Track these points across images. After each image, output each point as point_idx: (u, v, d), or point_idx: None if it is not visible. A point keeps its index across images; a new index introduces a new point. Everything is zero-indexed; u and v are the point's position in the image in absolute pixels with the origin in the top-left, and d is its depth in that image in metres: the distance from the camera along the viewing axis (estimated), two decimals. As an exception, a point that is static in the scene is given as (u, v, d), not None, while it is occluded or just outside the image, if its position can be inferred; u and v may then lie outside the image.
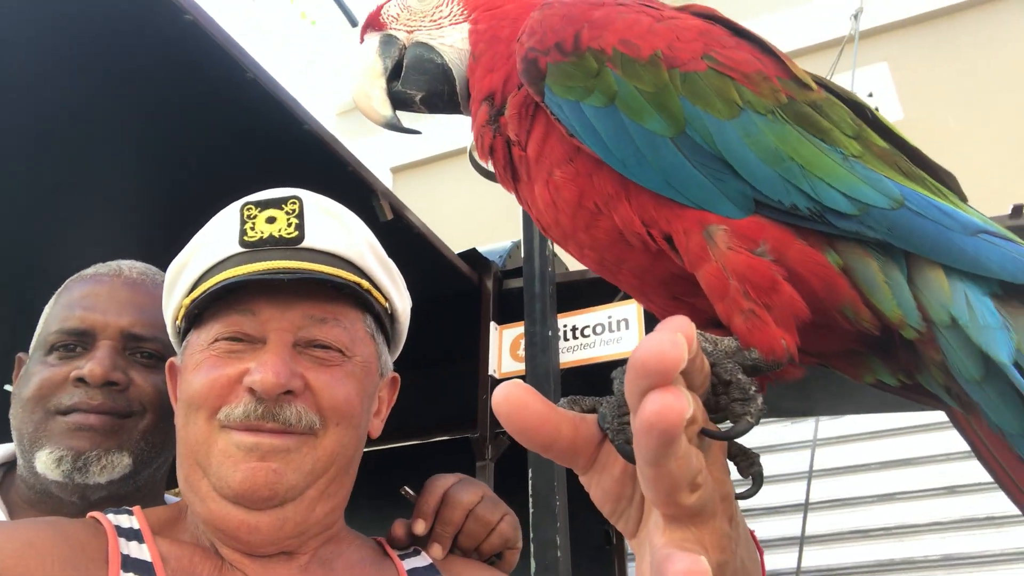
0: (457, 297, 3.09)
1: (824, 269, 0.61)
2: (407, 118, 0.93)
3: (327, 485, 0.97)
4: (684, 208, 0.63)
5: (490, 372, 2.84)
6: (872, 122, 0.69)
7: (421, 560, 1.09)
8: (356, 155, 2.40)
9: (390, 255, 1.11)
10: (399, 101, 0.91)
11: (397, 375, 1.16)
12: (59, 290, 1.33)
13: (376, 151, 6.65)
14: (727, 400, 0.55)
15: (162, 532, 0.98)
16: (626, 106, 0.64)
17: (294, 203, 1.01)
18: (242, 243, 0.98)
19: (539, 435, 0.54)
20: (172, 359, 1.09)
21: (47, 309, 1.31)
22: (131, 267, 1.33)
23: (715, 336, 0.60)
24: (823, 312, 0.62)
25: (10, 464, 1.29)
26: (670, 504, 0.49)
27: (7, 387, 1.32)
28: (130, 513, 0.99)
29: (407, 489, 1.25)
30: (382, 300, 1.08)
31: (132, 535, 0.94)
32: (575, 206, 0.69)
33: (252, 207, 1.01)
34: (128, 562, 0.89)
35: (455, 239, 3.16)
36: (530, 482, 2.40)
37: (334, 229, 1.03)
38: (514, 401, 0.52)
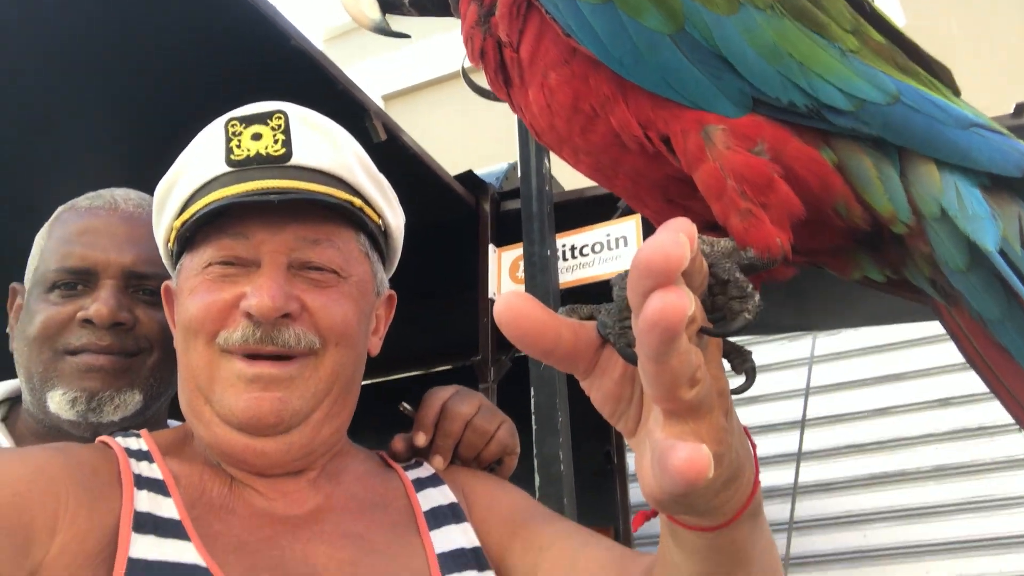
0: (454, 221, 3.08)
1: (819, 166, 0.61)
2: (398, 23, 0.92)
3: (331, 406, 0.99)
4: (682, 108, 0.62)
5: (490, 295, 2.85)
6: (870, 16, 0.68)
7: (424, 471, 1.12)
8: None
9: (384, 176, 1.10)
10: (388, 4, 0.89)
11: (393, 293, 1.17)
12: (51, 220, 1.31)
13: (367, 77, 6.51)
14: (724, 299, 0.56)
15: (170, 453, 1.00)
16: (624, 2, 0.63)
17: (279, 118, 0.99)
18: (228, 162, 0.97)
19: (540, 341, 0.55)
20: (167, 282, 1.09)
21: (40, 240, 1.30)
22: (126, 199, 1.30)
23: (711, 238, 0.60)
24: (817, 209, 0.62)
25: (15, 399, 1.31)
26: (671, 399, 0.50)
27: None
28: (137, 436, 1.01)
29: (405, 405, 1.27)
30: (375, 217, 1.07)
31: (142, 456, 0.96)
32: (570, 109, 0.68)
33: (237, 123, 0.99)
34: (141, 480, 0.91)
35: (451, 164, 3.12)
36: (532, 399, 2.44)
37: (322, 145, 1.01)
38: (515, 310, 0.53)
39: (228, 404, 0.92)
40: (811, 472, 4.97)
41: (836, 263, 0.71)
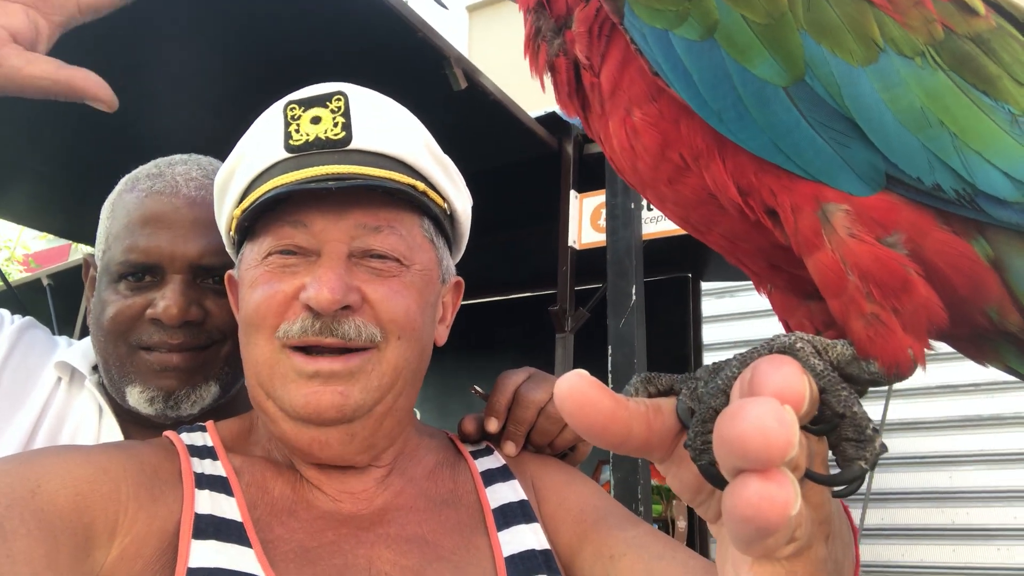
0: (536, 162, 2.97)
1: (970, 264, 0.49)
2: None
3: (394, 400, 0.95)
4: (793, 178, 0.51)
5: (570, 243, 2.76)
6: None
7: (494, 460, 1.09)
8: None
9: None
10: None
11: (461, 279, 1.12)
12: (113, 196, 1.28)
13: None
14: (837, 437, 0.47)
15: (234, 447, 0.99)
16: (729, 41, 0.50)
17: (339, 100, 0.95)
18: (287, 147, 0.93)
19: (608, 435, 0.47)
20: (230, 272, 1.07)
21: (104, 219, 1.27)
22: (187, 179, 1.24)
23: (824, 341, 0.50)
24: (962, 313, 0.51)
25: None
26: (764, 558, 0.44)
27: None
28: (203, 430, 1.00)
29: (477, 388, 1.23)
30: (440, 201, 1.02)
31: (205, 453, 0.95)
32: (657, 156, 0.58)
33: (295, 106, 0.95)
34: (203, 479, 0.90)
35: (535, 90, 2.98)
36: (609, 358, 2.38)
37: (383, 128, 0.96)
38: (579, 398, 0.46)
39: (289, 399, 0.90)
40: (899, 410, 4.80)
41: (971, 350, 0.59)
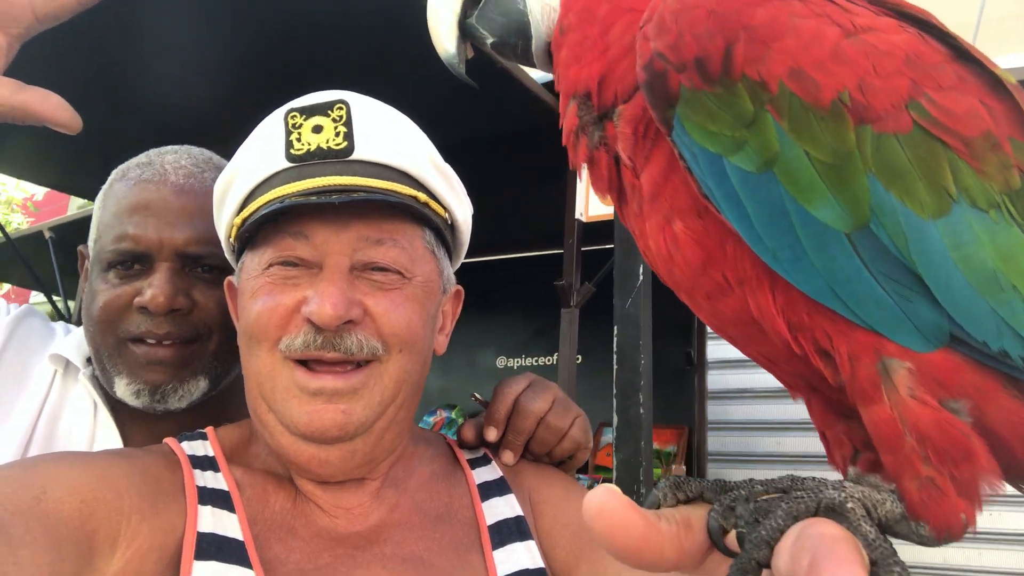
0: (543, 128, 2.89)
1: None
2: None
3: (395, 413, 0.96)
4: (851, 325, 0.48)
5: (577, 215, 2.71)
6: None
7: (491, 472, 1.10)
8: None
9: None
10: (470, 34, 0.76)
11: (460, 288, 1.12)
12: (105, 187, 1.27)
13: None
14: None
15: (235, 457, 0.99)
16: (789, 178, 0.47)
17: (341, 108, 0.94)
18: (289, 156, 0.93)
19: (640, 559, 0.46)
20: (230, 278, 1.06)
21: (96, 209, 1.26)
22: (176, 167, 1.24)
23: (873, 496, 0.47)
24: (1021, 476, 0.48)
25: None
26: None
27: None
28: (204, 437, 1.01)
29: (476, 395, 1.24)
30: (441, 211, 1.02)
31: (207, 464, 0.95)
32: (698, 271, 0.55)
33: (296, 114, 0.94)
34: (205, 494, 0.90)
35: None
36: (615, 339, 2.37)
37: (386, 138, 0.96)
38: (610, 519, 0.44)
39: (291, 415, 0.90)
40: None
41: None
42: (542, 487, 1.10)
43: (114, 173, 1.28)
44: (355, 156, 0.93)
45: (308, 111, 0.95)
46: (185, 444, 0.98)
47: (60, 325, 1.40)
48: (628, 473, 2.20)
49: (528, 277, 4.37)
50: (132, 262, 1.19)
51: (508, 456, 1.11)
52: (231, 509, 0.90)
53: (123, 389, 1.18)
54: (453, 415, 4.46)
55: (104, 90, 2.88)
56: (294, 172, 0.93)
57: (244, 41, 2.56)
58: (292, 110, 0.96)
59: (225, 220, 1.02)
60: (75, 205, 8.48)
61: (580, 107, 0.63)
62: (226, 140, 3.40)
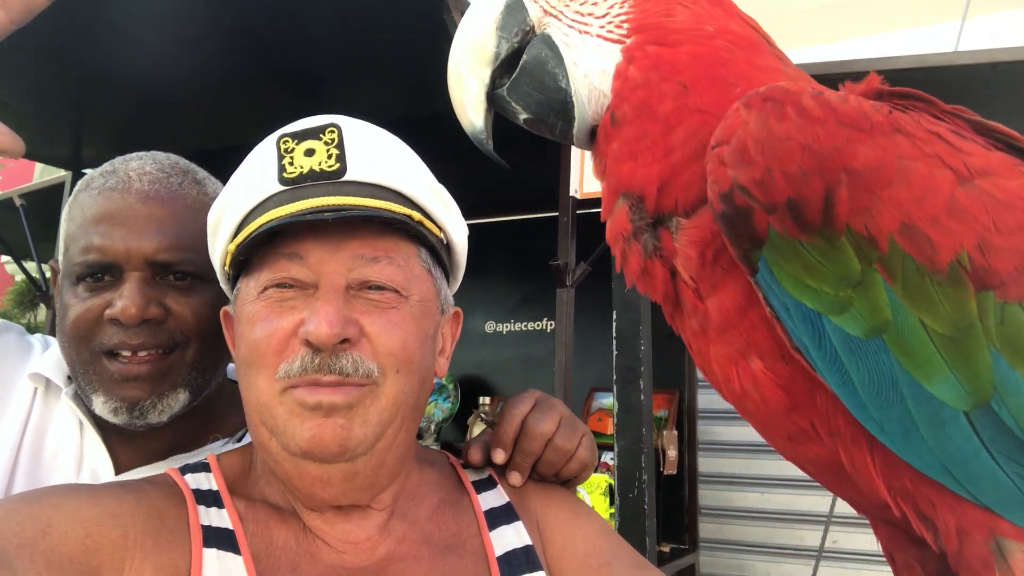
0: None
1: None
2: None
3: (395, 435, 0.95)
4: (961, 500, 0.42)
5: (572, 192, 2.63)
6: None
7: (497, 497, 1.09)
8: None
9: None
10: (498, 105, 0.71)
11: (459, 310, 1.11)
12: (71, 198, 1.23)
13: None
14: None
15: (237, 488, 0.99)
16: (902, 348, 0.40)
17: (332, 132, 0.95)
18: (281, 180, 0.93)
19: None
20: (226, 308, 1.06)
21: (63, 221, 1.22)
22: (140, 173, 1.19)
23: None
24: None
25: None
26: None
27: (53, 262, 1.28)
28: (207, 469, 1.00)
29: (483, 415, 1.23)
30: (436, 231, 1.01)
31: (211, 499, 0.95)
32: (779, 413, 0.49)
33: (288, 139, 0.95)
34: (209, 534, 0.90)
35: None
36: (614, 323, 2.32)
37: (378, 158, 0.97)
38: None
39: (292, 435, 0.90)
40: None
41: None
42: (549, 512, 1.10)
43: (79, 184, 1.24)
44: (348, 177, 0.93)
45: (300, 136, 0.95)
46: (189, 477, 0.97)
47: (38, 339, 1.34)
48: (630, 460, 2.19)
49: (518, 242, 4.29)
50: (101, 273, 1.15)
51: (515, 478, 1.11)
52: (236, 550, 0.90)
53: (100, 407, 1.15)
54: (443, 381, 4.44)
55: (72, 56, 2.76)
56: (287, 195, 0.93)
57: (222, 10, 2.42)
58: (284, 135, 0.95)
59: (220, 247, 1.01)
60: (39, 171, 8.28)
61: (632, 210, 0.56)
62: (200, 111, 3.27)
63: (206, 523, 0.91)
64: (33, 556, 0.77)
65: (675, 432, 3.84)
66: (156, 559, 0.85)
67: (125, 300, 1.12)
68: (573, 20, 0.63)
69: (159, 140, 3.59)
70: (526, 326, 4.54)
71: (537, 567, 1.01)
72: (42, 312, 7.35)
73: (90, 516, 0.84)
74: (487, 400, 4.33)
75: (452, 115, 0.87)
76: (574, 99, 0.62)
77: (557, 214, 2.66)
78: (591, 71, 0.61)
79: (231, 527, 0.92)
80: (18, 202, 4.33)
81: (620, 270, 0.61)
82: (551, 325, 4.48)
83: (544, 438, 1.10)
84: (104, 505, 0.86)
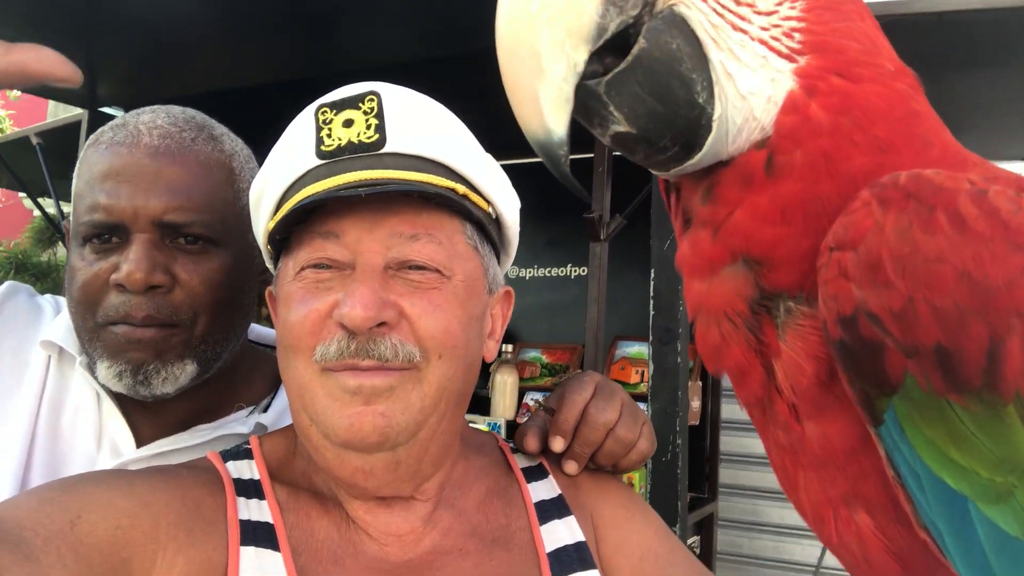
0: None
1: None
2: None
3: (438, 423, 0.90)
4: None
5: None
6: None
7: (548, 488, 1.05)
8: None
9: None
10: (585, 104, 0.50)
11: (511, 289, 1.05)
12: (81, 153, 1.15)
13: None
14: None
15: (279, 473, 0.96)
16: None
17: (372, 100, 0.89)
18: (319, 154, 0.88)
19: None
20: (269, 288, 1.01)
21: (75, 176, 1.14)
22: (150, 127, 1.10)
23: None
24: None
25: None
26: None
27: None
28: (249, 455, 0.96)
29: (544, 405, 1.16)
30: (484, 204, 0.95)
31: (252, 490, 0.92)
32: (885, 570, 0.41)
33: (327, 110, 0.89)
34: (248, 529, 0.87)
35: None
36: (652, 283, 2.24)
37: (420, 128, 0.91)
38: None
39: (331, 423, 0.86)
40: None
41: None
42: (604, 508, 1.05)
43: (90, 138, 1.15)
44: (387, 149, 0.88)
45: (338, 105, 0.89)
46: (231, 465, 0.94)
47: (48, 300, 1.28)
48: (664, 423, 2.13)
49: (544, 185, 4.18)
50: (107, 234, 1.08)
51: (572, 467, 1.06)
52: (275, 547, 0.86)
53: (104, 372, 1.09)
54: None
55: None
56: (324, 169, 0.88)
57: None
58: (322, 105, 0.90)
59: (262, 226, 0.97)
60: (53, 108, 8.16)
61: (755, 287, 0.45)
62: (215, 50, 3.16)
63: (245, 517, 0.88)
64: (60, 549, 0.75)
65: (699, 383, 3.80)
66: (189, 552, 0.82)
67: (131, 264, 1.05)
68: (725, 6, 0.45)
69: (174, 79, 3.49)
70: (550, 272, 4.45)
71: (590, 565, 0.96)
72: (61, 250, 7.37)
73: (123, 507, 0.81)
74: (509, 348, 4.28)
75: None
76: (715, 124, 0.46)
77: (585, 156, 2.55)
78: (754, 91, 0.44)
79: (271, 520, 0.89)
80: (35, 140, 4.26)
81: (698, 347, 0.51)
82: (575, 271, 4.40)
83: (606, 428, 1.04)
84: (138, 495, 0.83)
